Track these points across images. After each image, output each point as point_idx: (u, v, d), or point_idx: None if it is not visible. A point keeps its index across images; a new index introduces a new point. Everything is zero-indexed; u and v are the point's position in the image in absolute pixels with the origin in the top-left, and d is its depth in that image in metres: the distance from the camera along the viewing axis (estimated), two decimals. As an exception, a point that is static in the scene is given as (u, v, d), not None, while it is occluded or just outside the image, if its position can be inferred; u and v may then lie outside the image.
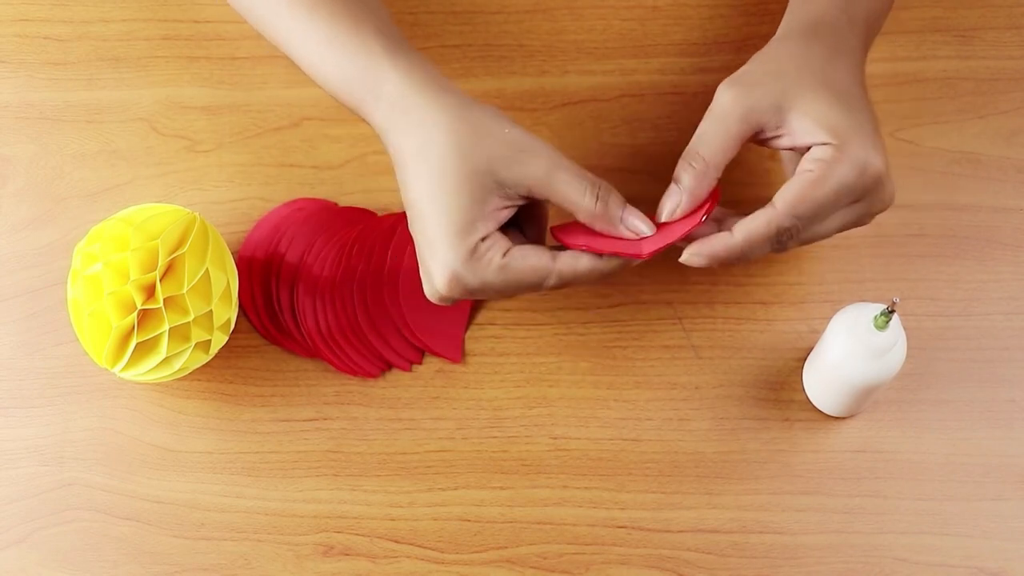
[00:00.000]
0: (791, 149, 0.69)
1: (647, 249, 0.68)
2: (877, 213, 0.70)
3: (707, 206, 0.68)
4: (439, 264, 0.67)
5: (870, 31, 0.73)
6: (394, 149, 0.68)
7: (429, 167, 0.66)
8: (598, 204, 0.67)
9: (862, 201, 0.68)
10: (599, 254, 0.69)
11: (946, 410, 0.75)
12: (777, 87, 0.67)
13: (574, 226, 0.70)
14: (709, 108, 0.68)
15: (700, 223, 0.68)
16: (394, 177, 0.81)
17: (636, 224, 0.68)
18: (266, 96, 0.84)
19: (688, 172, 0.68)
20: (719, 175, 0.68)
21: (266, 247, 0.79)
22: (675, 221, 0.69)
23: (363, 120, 0.70)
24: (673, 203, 0.68)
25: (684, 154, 0.68)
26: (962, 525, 0.73)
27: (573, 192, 0.67)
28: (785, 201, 0.66)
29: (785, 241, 0.67)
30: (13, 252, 0.81)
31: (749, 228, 0.66)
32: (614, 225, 0.68)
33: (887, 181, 0.67)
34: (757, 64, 0.70)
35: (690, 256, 0.67)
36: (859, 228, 0.77)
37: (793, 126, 0.67)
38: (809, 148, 0.67)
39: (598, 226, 0.68)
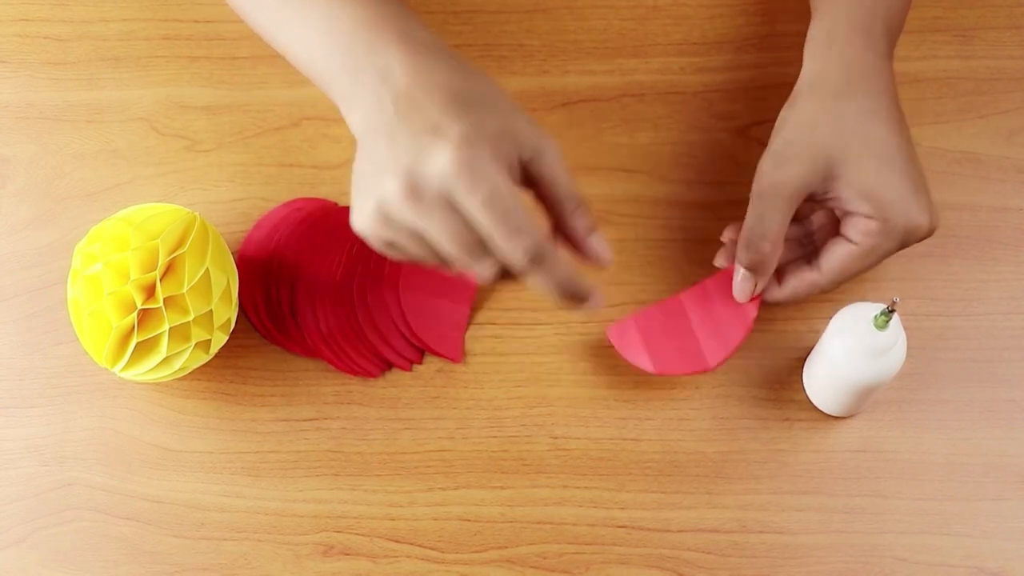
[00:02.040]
0: (839, 210, 0.72)
1: (713, 362, 0.74)
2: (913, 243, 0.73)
3: (756, 310, 0.74)
4: (457, 130, 0.59)
5: (893, 44, 0.74)
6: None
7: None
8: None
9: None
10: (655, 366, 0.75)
11: (946, 410, 0.75)
12: (821, 157, 0.70)
13: (631, 327, 0.75)
14: (757, 189, 0.71)
15: (752, 327, 0.74)
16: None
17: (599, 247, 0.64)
18: (266, 96, 0.84)
19: (758, 260, 0.71)
20: (782, 245, 0.71)
21: (266, 247, 0.79)
22: (734, 326, 0.75)
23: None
24: (750, 287, 0.73)
25: (745, 240, 0.71)
26: (962, 525, 0.73)
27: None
28: (831, 270, 0.71)
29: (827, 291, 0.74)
30: (13, 252, 0.81)
31: (795, 287, 0.73)
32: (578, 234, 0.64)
33: (929, 229, 0.71)
34: (796, 133, 0.71)
35: (742, 295, 0.74)
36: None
37: (840, 194, 0.70)
38: (854, 213, 0.70)
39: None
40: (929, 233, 0.71)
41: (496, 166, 0.60)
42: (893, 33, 0.74)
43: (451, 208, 0.60)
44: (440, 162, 0.59)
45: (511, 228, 0.59)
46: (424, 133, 0.60)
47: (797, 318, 0.78)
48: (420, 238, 0.62)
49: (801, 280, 0.73)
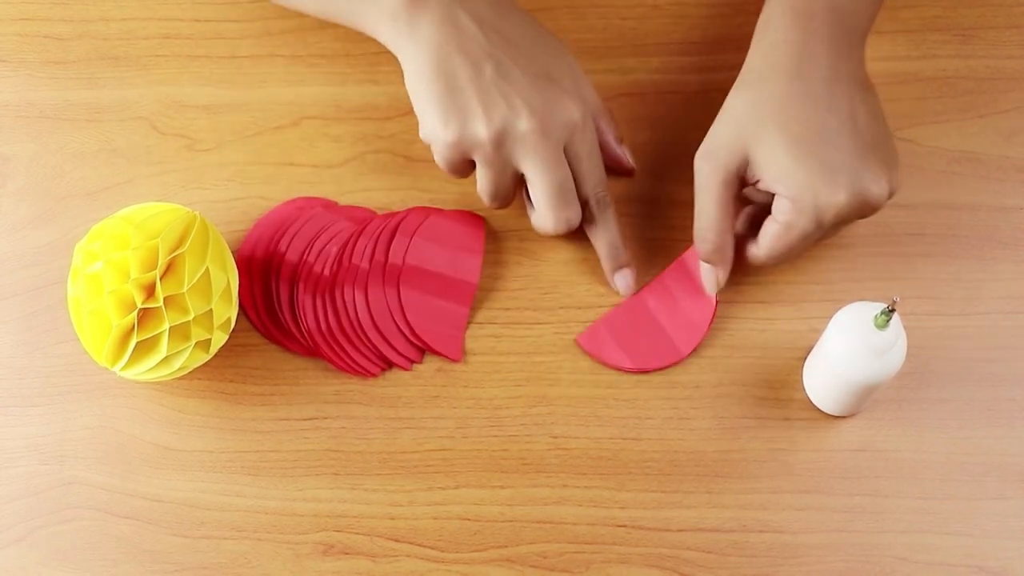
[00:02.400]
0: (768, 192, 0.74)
1: (686, 350, 0.77)
2: (864, 217, 0.73)
3: (716, 295, 0.77)
4: (569, 61, 0.76)
5: (848, 26, 0.74)
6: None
7: None
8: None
9: (835, 225, 0.72)
10: (633, 370, 0.77)
11: (946, 409, 0.75)
12: (740, 143, 0.72)
13: (600, 329, 0.77)
14: (695, 184, 0.74)
15: (716, 309, 0.77)
16: (393, 176, 0.82)
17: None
18: (266, 95, 0.84)
19: (709, 249, 0.74)
20: (732, 232, 0.74)
21: (266, 246, 0.79)
22: (699, 312, 0.77)
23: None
24: (713, 278, 0.76)
25: (696, 234, 0.74)
26: (962, 524, 0.73)
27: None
28: (765, 246, 0.73)
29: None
30: (13, 251, 0.81)
31: (740, 259, 0.76)
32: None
33: (849, 204, 0.71)
34: (720, 124, 0.74)
35: (709, 287, 0.76)
36: (859, 226, 0.77)
37: (760, 176, 0.72)
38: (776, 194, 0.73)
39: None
40: (839, 210, 0.70)
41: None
42: (846, 14, 0.73)
43: (557, 155, 0.73)
44: (569, 112, 0.73)
45: (600, 172, 0.75)
46: (521, 78, 0.72)
47: (797, 318, 0.78)
48: (502, 176, 0.74)
49: (747, 253, 0.75)
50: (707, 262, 0.75)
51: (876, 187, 0.71)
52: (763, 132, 0.71)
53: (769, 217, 0.73)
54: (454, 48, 0.72)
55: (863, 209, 0.71)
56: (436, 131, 0.72)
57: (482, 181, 0.75)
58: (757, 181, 0.73)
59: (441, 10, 0.72)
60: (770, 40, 0.73)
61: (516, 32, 0.74)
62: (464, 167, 0.75)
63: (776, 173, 0.71)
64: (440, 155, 0.74)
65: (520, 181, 0.75)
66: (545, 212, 0.74)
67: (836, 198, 0.70)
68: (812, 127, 0.71)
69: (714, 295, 0.76)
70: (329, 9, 0.77)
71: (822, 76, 0.72)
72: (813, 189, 0.70)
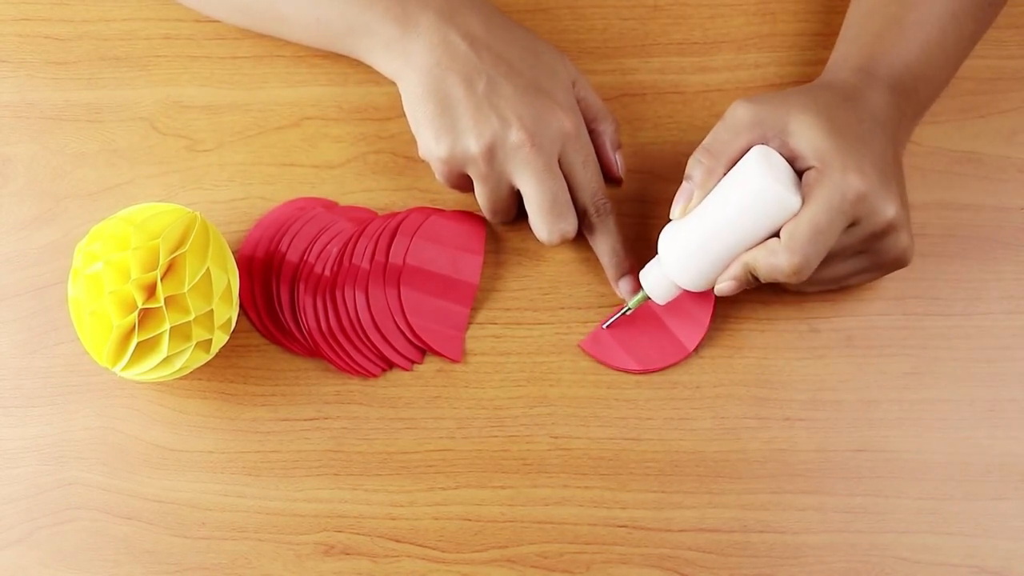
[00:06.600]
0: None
1: (691, 346, 0.76)
2: (880, 237, 0.70)
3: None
4: (567, 69, 0.77)
5: (898, 87, 0.74)
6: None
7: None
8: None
9: (858, 225, 0.69)
10: (640, 370, 0.76)
11: (947, 409, 0.75)
12: (783, 110, 0.70)
13: (602, 333, 0.77)
14: (721, 118, 0.71)
15: (715, 299, 0.76)
16: (394, 176, 0.81)
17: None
18: (267, 95, 0.84)
19: (699, 168, 0.70)
20: (725, 172, 0.70)
21: (267, 246, 0.79)
22: (699, 307, 0.76)
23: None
24: (686, 199, 0.71)
25: (695, 152, 0.71)
26: (963, 524, 0.73)
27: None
28: (784, 231, 0.68)
29: (799, 271, 0.69)
30: (14, 251, 0.81)
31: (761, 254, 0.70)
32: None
33: (879, 203, 0.68)
34: (769, 93, 0.72)
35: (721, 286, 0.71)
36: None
37: (794, 150, 0.69)
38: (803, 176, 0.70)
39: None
40: (865, 201, 0.68)
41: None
42: (900, 84, 0.74)
43: (554, 168, 0.73)
44: (561, 123, 0.73)
45: (598, 180, 0.76)
46: (512, 93, 0.73)
47: (797, 318, 0.78)
48: (497, 190, 0.75)
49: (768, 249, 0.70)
50: (694, 183, 0.71)
51: (889, 205, 0.69)
52: (808, 115, 0.69)
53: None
54: (446, 68, 0.73)
55: (872, 219, 0.69)
56: (430, 149, 0.74)
57: (480, 196, 0.76)
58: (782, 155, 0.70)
59: (433, 33, 0.73)
60: (831, 73, 0.74)
61: (509, 48, 0.75)
62: (462, 182, 0.76)
63: (811, 145, 0.68)
64: (437, 172, 0.75)
65: (518, 195, 0.75)
66: (539, 224, 0.74)
67: (859, 184, 0.67)
68: (851, 131, 0.70)
69: (678, 218, 0.72)
70: (323, 40, 0.79)
71: (869, 110, 0.72)
72: (843, 164, 0.67)
